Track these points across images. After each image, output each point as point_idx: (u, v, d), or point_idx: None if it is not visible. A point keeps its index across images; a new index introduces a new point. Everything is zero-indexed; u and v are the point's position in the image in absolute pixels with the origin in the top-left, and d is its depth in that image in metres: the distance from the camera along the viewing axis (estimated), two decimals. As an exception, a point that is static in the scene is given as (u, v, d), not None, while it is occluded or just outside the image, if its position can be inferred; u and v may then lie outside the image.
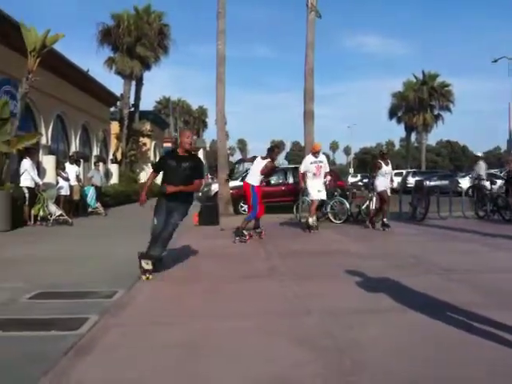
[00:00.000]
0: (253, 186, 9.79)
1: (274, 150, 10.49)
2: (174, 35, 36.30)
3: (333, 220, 12.78)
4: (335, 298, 4.88)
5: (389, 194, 11.35)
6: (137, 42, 31.20)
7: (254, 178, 9.88)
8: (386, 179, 11.36)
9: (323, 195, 11.12)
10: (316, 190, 10.92)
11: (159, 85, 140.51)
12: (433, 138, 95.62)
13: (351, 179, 38.73)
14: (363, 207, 12.76)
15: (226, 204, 15.09)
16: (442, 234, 10.33)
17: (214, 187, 19.05)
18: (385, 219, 11.17)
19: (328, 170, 11.29)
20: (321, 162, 11.04)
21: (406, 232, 10.78)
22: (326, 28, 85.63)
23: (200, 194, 24.45)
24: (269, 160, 9.99)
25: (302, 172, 11.16)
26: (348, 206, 12.94)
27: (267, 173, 10.04)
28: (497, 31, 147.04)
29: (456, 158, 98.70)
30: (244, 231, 9.68)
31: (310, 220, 10.84)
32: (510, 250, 7.90)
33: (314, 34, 15.76)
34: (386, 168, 11.42)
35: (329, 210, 12.98)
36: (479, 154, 15.28)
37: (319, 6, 15.75)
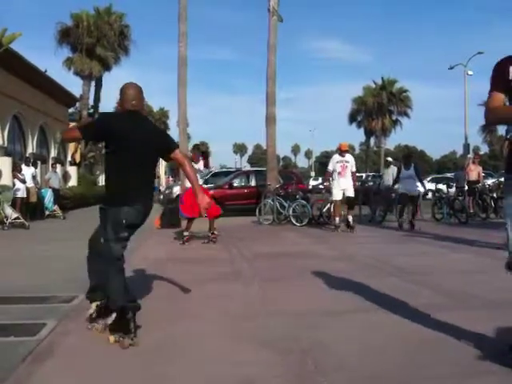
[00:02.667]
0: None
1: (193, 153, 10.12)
2: (135, 36, 36.11)
3: (295, 223, 12.87)
4: (299, 299, 4.91)
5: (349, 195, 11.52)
6: (97, 42, 30.75)
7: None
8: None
9: (351, 192, 11.38)
10: (339, 189, 11.19)
11: (119, 86, 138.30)
12: (391, 143, 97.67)
13: (312, 182, 39.13)
14: (324, 210, 12.91)
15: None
16: (401, 236, 10.54)
17: (176, 189, 18.92)
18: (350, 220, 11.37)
19: (354, 169, 11.50)
20: (347, 161, 11.32)
21: (366, 234, 10.96)
22: (289, 32, 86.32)
23: (161, 196, 24.26)
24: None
25: (329, 171, 11.43)
26: (310, 208, 13.06)
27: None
28: (454, 37, 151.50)
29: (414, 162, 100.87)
30: (185, 232, 9.61)
31: (337, 220, 11.29)
32: (466, 251, 8.13)
33: (276, 38, 15.90)
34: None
35: (291, 212, 13.08)
36: (389, 159, 15.85)
37: (281, 10, 15.90)
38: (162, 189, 30.66)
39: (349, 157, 11.46)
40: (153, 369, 3.15)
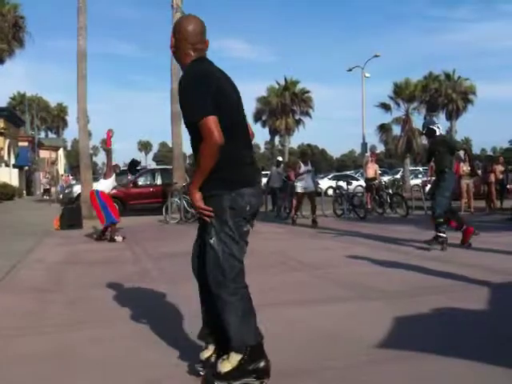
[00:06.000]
0: (97, 191, 9.78)
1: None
2: (31, 28, 34.11)
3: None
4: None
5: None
6: (-12, 32, 28.71)
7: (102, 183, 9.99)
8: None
9: None
10: None
11: (14, 80, 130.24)
12: (295, 142, 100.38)
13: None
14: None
15: (89, 206, 14.41)
16: (304, 231, 10.84)
17: (77, 188, 18.15)
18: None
19: None
20: None
21: (271, 230, 11.15)
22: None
23: (61, 195, 23.15)
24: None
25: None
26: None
27: (112, 172, 9.98)
28: (352, 41, 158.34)
29: (315, 160, 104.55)
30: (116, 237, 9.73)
31: None
32: (364, 245, 8.51)
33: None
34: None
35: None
36: (279, 159, 17.09)
37: (185, 8, 15.77)
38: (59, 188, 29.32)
39: None
40: (55, 377, 2.99)
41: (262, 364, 2.63)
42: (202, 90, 2.54)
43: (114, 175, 9.95)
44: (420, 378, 2.83)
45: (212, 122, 2.48)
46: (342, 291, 5.08)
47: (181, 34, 2.74)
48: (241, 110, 2.80)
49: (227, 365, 2.60)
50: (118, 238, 9.70)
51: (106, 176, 9.96)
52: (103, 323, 4.15)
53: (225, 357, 2.65)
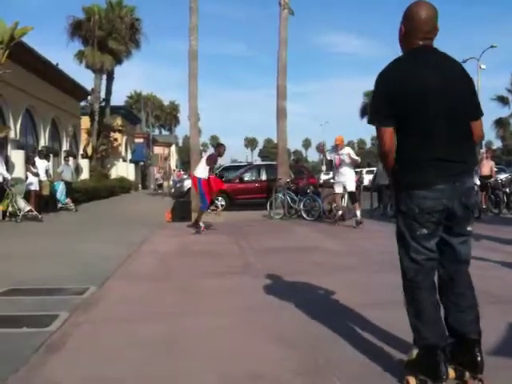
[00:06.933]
0: (199, 178, 10.33)
1: (220, 147, 11.21)
2: (146, 29, 36.06)
3: (305, 217, 12.85)
4: (310, 294, 4.91)
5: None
6: (108, 35, 30.83)
7: (200, 170, 10.42)
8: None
9: (350, 186, 11.43)
10: (337, 182, 11.49)
11: (131, 79, 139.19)
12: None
13: (323, 177, 38.98)
14: (335, 205, 12.87)
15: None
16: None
17: (187, 183, 18.97)
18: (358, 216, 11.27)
19: (354, 159, 11.33)
20: (341, 154, 11.32)
21: (378, 229, 10.91)
22: (301, 25, 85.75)
23: (173, 189, 24.36)
24: (212, 153, 11.08)
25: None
26: (320, 203, 13.03)
27: (210, 163, 10.43)
28: (468, 31, 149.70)
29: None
30: (200, 223, 10.39)
31: (339, 213, 11.41)
32: (477, 247, 8.05)
33: (287, 32, 15.84)
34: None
35: (301, 207, 13.08)
36: None
37: (292, 4, 15.83)
38: (171, 182, 30.81)
39: (344, 150, 11.31)
40: (164, 362, 3.18)
41: None
42: None
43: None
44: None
45: None
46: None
47: (413, 22, 2.65)
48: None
49: None
50: (199, 226, 10.32)
51: (207, 163, 10.43)
52: (211, 313, 4.32)
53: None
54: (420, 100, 2.56)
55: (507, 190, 14.19)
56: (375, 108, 2.68)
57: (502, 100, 32.92)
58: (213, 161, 10.53)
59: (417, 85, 2.58)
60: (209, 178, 10.33)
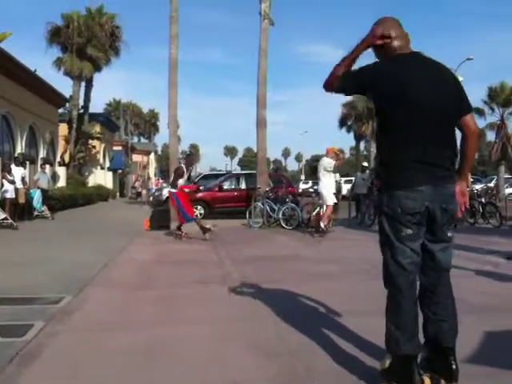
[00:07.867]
0: (173, 192, 10.60)
1: (188, 157, 12.14)
2: (126, 37, 35.87)
3: (284, 226, 12.87)
4: (288, 302, 4.92)
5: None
6: (87, 42, 30.57)
7: (173, 185, 10.75)
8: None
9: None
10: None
11: (110, 87, 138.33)
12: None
13: (302, 186, 39.18)
14: (313, 213, 12.91)
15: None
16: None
17: (166, 191, 18.87)
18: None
19: (325, 171, 11.34)
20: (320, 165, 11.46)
21: (354, 237, 10.99)
22: (281, 35, 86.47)
23: (151, 198, 24.22)
24: (178, 166, 11.42)
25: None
26: (299, 212, 13.07)
27: (178, 176, 10.61)
28: (445, 44, 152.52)
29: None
30: (182, 228, 10.72)
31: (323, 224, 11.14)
32: (454, 255, 8.17)
33: (267, 41, 15.92)
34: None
35: (281, 216, 13.10)
36: (365, 164, 17.61)
37: (272, 14, 15.94)
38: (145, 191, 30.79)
39: (322, 160, 11.41)
40: (142, 372, 3.15)
41: None
42: None
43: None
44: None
45: None
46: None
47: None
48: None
49: None
50: (209, 227, 10.59)
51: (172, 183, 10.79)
52: (189, 322, 4.30)
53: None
54: (402, 96, 2.59)
55: (483, 200, 14.42)
56: (352, 74, 2.77)
57: (478, 111, 33.49)
58: (180, 173, 10.68)
59: (399, 82, 2.62)
60: (181, 188, 10.51)
